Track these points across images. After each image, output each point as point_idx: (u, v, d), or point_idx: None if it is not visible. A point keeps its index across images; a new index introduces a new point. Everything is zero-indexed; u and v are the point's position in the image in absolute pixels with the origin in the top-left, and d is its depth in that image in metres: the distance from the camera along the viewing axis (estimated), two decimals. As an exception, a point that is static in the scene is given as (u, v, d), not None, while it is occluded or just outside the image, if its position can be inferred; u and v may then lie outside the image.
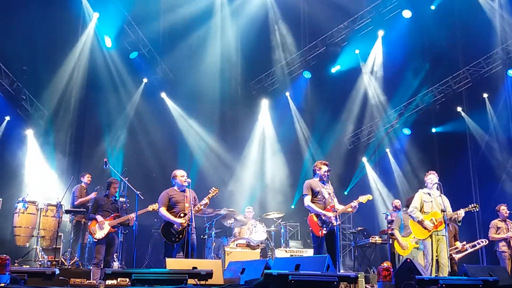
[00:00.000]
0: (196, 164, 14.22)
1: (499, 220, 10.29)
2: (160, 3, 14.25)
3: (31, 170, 12.49)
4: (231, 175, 14.65)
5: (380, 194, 15.44)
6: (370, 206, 14.77)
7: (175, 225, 7.61)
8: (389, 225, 10.44)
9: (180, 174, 7.99)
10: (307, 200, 7.80)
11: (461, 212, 8.10)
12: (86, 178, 10.99)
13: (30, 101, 12.88)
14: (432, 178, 8.29)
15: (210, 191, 8.02)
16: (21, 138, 12.68)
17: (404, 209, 9.94)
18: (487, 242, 10.38)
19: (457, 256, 9.65)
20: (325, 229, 7.58)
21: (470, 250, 10.16)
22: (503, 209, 10.28)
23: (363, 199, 7.86)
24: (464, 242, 9.98)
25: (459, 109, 15.18)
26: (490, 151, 14.34)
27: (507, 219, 10.27)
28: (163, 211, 7.77)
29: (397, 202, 11.08)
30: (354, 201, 7.81)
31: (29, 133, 12.72)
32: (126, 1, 13.44)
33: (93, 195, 10.51)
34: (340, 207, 7.71)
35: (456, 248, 9.62)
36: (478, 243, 10.20)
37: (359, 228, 12.69)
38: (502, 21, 13.80)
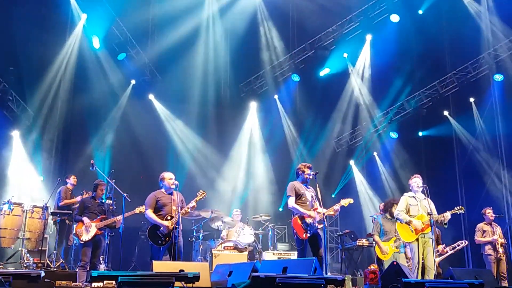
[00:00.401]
0: (184, 166, 14.20)
1: (484, 224, 10.37)
2: (148, 4, 14.22)
3: (16, 172, 12.38)
4: (219, 177, 14.62)
5: (367, 197, 15.50)
6: (357, 209, 14.87)
7: (161, 228, 7.59)
8: (375, 229, 10.49)
9: (168, 177, 7.96)
10: (291, 202, 7.79)
11: (447, 215, 8.16)
12: (72, 180, 10.91)
13: (17, 102, 12.78)
14: (417, 181, 8.35)
15: (197, 194, 8.00)
16: (7, 139, 12.56)
17: (382, 214, 9.99)
18: (467, 243, 10.48)
19: (437, 260, 9.72)
20: (309, 231, 7.59)
21: (450, 252, 10.27)
22: (489, 212, 10.37)
23: (344, 202, 7.93)
24: (444, 245, 10.06)
25: (445, 113, 15.31)
26: (476, 154, 14.46)
27: (493, 222, 10.36)
28: (150, 213, 7.74)
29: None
30: (336, 204, 7.88)
31: (15, 134, 12.61)
32: (114, 2, 13.38)
33: (78, 198, 10.45)
34: (322, 210, 7.74)
35: (437, 251, 9.69)
36: (458, 245, 10.32)
37: (346, 231, 12.72)
38: (489, 25, 13.94)
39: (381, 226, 9.63)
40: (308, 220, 7.62)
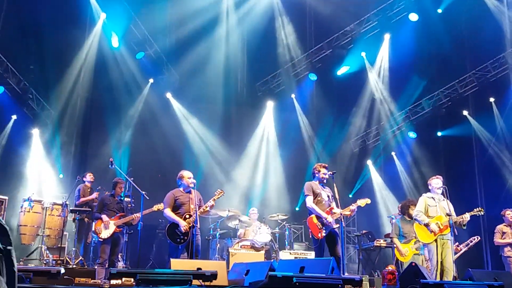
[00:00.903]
0: (201, 164, 14.25)
1: (504, 225, 10.25)
2: (166, 3, 14.29)
3: (36, 169, 12.53)
4: (236, 176, 14.65)
5: (384, 197, 15.40)
6: (374, 209, 14.79)
7: (180, 226, 7.63)
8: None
9: (187, 176, 8.00)
10: (310, 201, 7.80)
11: (467, 216, 8.08)
12: (89, 177, 10.95)
13: (37, 100, 12.95)
14: (437, 182, 8.29)
15: (215, 192, 8.03)
16: (27, 137, 12.74)
17: (400, 215, 9.90)
18: (479, 238, 10.36)
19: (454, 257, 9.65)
20: (324, 231, 7.59)
21: (464, 249, 10.19)
22: (508, 213, 10.24)
23: (361, 202, 7.86)
24: (457, 243, 9.96)
25: (465, 112, 15.13)
26: (496, 155, 14.29)
27: None
28: (168, 212, 7.79)
29: None
30: (352, 204, 7.84)
31: (35, 132, 12.77)
32: (133, 1, 13.49)
33: (94, 195, 10.54)
34: (338, 211, 7.71)
35: None
36: (471, 241, 10.22)
37: (364, 231, 12.67)
38: (509, 23, 13.73)
39: (400, 228, 9.55)
40: (325, 220, 7.61)
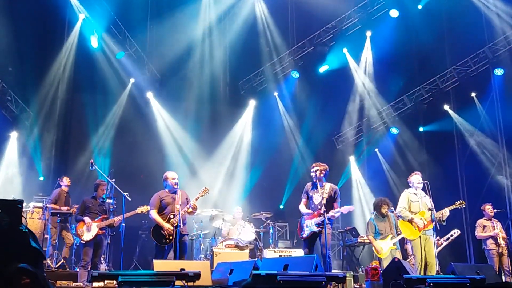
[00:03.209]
0: (184, 164, 14.16)
1: (484, 219, 10.39)
2: (146, 2, 14.18)
3: (15, 172, 12.37)
4: (219, 175, 14.59)
5: (368, 193, 15.43)
6: (358, 205, 14.84)
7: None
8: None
9: (171, 176, 7.97)
10: (301, 204, 8.06)
11: (446, 211, 8.19)
12: (66, 181, 10.69)
13: (16, 102, 12.78)
14: (417, 178, 8.36)
15: (200, 191, 8.00)
16: (6, 140, 12.57)
17: (374, 213, 9.95)
18: (459, 232, 10.46)
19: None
20: (304, 233, 7.77)
21: (445, 243, 10.28)
22: (488, 208, 10.41)
23: (344, 210, 7.85)
24: (438, 237, 10.05)
25: (446, 107, 15.22)
26: (478, 148, 14.40)
27: (493, 218, 10.37)
28: (154, 214, 7.76)
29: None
30: (339, 208, 7.81)
31: (13, 135, 12.64)
32: (112, 1, 13.36)
33: (65, 209, 10.32)
34: (319, 219, 7.70)
35: None
36: (451, 235, 10.32)
37: (348, 228, 12.69)
38: (496, 15, 13.80)
39: (376, 226, 9.64)
40: (307, 222, 7.77)
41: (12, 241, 3.08)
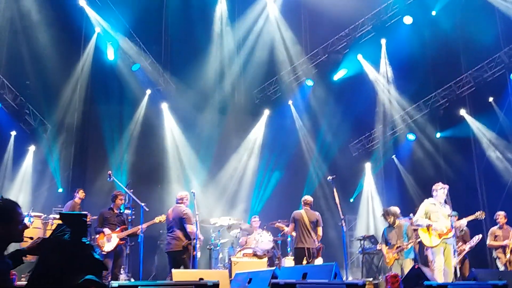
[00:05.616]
0: (200, 174, 14.20)
1: (497, 228, 10.33)
2: (161, 15, 14.31)
3: (35, 184, 12.51)
4: (236, 185, 14.60)
5: (384, 200, 15.31)
6: (377, 212, 14.73)
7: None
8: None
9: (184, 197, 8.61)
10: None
11: (464, 222, 8.12)
12: (80, 194, 10.73)
13: (34, 115, 12.94)
14: (444, 192, 8.21)
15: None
16: (25, 153, 12.72)
17: (387, 224, 9.86)
18: (481, 237, 10.34)
19: (456, 259, 9.62)
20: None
21: (467, 249, 10.14)
22: (499, 215, 10.30)
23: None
24: (460, 243, 9.93)
25: (462, 112, 15.06)
26: (495, 154, 14.22)
27: (505, 225, 10.24)
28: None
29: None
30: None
31: (31, 148, 12.81)
32: (127, 14, 13.51)
33: None
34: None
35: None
36: (473, 241, 10.19)
37: (366, 235, 12.61)
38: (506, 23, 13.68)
39: (385, 235, 9.56)
40: None
41: (77, 253, 3.17)
